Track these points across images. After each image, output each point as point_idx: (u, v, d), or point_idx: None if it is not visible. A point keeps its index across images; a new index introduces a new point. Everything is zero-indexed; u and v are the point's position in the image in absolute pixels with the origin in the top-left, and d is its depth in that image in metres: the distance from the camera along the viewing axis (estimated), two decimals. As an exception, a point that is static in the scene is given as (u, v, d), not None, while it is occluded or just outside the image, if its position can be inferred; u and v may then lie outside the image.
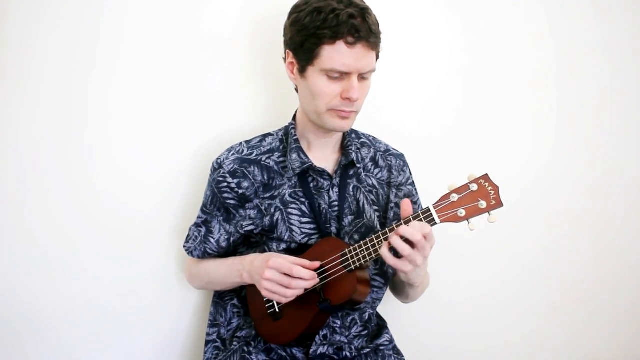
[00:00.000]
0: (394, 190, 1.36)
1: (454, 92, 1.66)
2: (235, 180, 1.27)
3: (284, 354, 1.28)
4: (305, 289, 1.18)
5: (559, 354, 1.77)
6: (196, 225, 1.35)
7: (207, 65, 1.49)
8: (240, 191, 1.28)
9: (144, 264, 1.48)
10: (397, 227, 1.10)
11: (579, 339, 1.78)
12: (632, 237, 1.78)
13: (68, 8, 1.39)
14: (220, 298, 1.40)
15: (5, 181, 1.38)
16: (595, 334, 1.79)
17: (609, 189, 1.75)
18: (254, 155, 1.30)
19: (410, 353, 1.40)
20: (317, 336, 1.25)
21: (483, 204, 1.05)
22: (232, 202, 1.29)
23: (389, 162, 1.38)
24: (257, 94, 1.53)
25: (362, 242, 1.15)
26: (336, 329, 1.27)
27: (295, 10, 1.21)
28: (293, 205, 1.27)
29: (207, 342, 1.36)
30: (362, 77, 1.19)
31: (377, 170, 1.36)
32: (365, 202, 1.31)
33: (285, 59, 1.26)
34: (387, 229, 1.12)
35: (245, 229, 1.28)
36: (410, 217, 1.10)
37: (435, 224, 1.09)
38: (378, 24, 1.19)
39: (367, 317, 1.32)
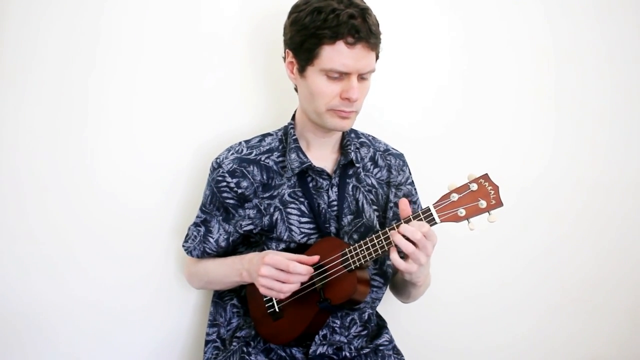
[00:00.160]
0: (394, 190, 1.36)
1: (453, 92, 1.66)
2: (235, 180, 1.27)
3: (283, 354, 1.27)
4: (302, 283, 1.18)
5: (559, 354, 1.77)
6: (195, 224, 1.35)
7: (207, 65, 1.49)
8: (240, 191, 1.28)
9: (144, 264, 1.48)
10: (397, 226, 1.10)
11: (579, 339, 1.78)
12: (632, 237, 1.78)
13: (68, 8, 1.39)
14: (219, 298, 1.40)
15: (5, 181, 1.38)
16: (595, 334, 1.79)
17: (609, 189, 1.75)
18: (253, 155, 1.30)
19: (410, 353, 1.40)
20: (317, 336, 1.25)
21: (483, 204, 1.05)
22: (231, 201, 1.29)
23: (389, 162, 1.38)
24: (256, 93, 1.53)
25: (362, 242, 1.15)
26: (336, 328, 1.27)
27: (295, 9, 1.21)
28: (292, 205, 1.27)
29: (207, 342, 1.36)
30: (361, 77, 1.19)
31: (376, 170, 1.36)
32: (364, 201, 1.31)
33: (284, 59, 1.26)
34: (387, 229, 1.12)
35: (245, 228, 1.28)
36: (411, 216, 1.10)
37: (436, 223, 1.09)
38: (378, 25, 1.19)
39: (366, 317, 1.32)
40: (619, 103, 1.74)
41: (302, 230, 1.26)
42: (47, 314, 1.41)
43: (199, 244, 1.34)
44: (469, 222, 1.07)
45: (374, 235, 1.14)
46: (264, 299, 1.27)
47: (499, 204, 1.05)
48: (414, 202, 1.41)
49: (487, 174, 1.07)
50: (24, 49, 1.37)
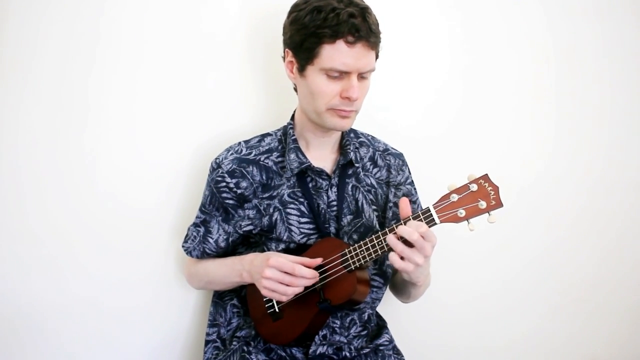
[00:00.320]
0: (393, 190, 1.36)
1: (453, 92, 1.66)
2: (234, 180, 1.27)
3: (283, 354, 1.28)
4: (305, 287, 1.18)
5: (559, 354, 1.77)
6: (195, 225, 1.35)
7: (206, 65, 1.49)
8: (239, 191, 1.27)
9: (144, 264, 1.48)
10: (397, 227, 1.10)
11: (579, 339, 1.78)
12: (632, 237, 1.78)
13: (68, 8, 1.39)
14: (219, 298, 1.40)
15: (5, 180, 1.38)
16: (595, 334, 1.79)
17: (609, 189, 1.75)
18: (252, 155, 1.30)
19: (410, 353, 1.40)
20: (317, 336, 1.25)
21: (483, 204, 1.05)
22: (230, 202, 1.29)
23: (388, 162, 1.38)
24: (256, 93, 1.52)
25: (362, 242, 1.15)
26: (335, 329, 1.27)
27: (294, 9, 1.21)
28: (292, 205, 1.27)
29: (207, 342, 1.36)
30: (361, 76, 1.19)
31: (375, 170, 1.36)
32: (364, 201, 1.31)
33: (284, 58, 1.26)
34: (386, 229, 1.12)
35: (244, 229, 1.28)
36: (410, 217, 1.10)
37: (435, 224, 1.09)
38: (378, 24, 1.19)
39: (366, 317, 1.32)
40: (619, 103, 1.74)
41: (302, 230, 1.26)
42: (47, 314, 1.41)
43: (199, 245, 1.33)
44: (468, 223, 1.07)
45: (373, 236, 1.14)
46: (264, 299, 1.27)
47: (499, 204, 1.05)
48: (413, 202, 1.41)
49: (487, 174, 1.06)
50: (24, 49, 1.37)
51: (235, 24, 1.49)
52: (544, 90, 1.71)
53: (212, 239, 1.32)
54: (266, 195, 1.28)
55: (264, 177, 1.28)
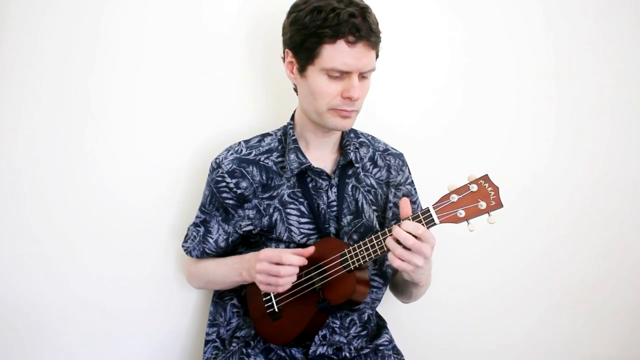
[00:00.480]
0: (393, 190, 1.36)
1: (453, 92, 1.66)
2: (234, 180, 1.27)
3: (283, 354, 1.27)
4: (305, 287, 1.18)
5: (559, 354, 1.76)
6: (195, 224, 1.35)
7: (206, 65, 1.49)
8: (239, 191, 1.27)
9: (143, 264, 1.48)
10: (392, 229, 1.09)
11: (579, 339, 1.78)
12: (632, 237, 1.78)
13: (68, 8, 1.39)
14: (219, 298, 1.40)
15: (5, 181, 1.38)
16: (595, 334, 1.79)
17: (609, 189, 1.75)
18: (252, 155, 1.30)
19: (410, 353, 1.40)
20: (317, 336, 1.25)
21: (483, 205, 1.05)
22: (230, 202, 1.29)
23: (388, 162, 1.38)
24: (255, 93, 1.52)
25: (361, 242, 1.15)
26: (335, 329, 1.27)
27: (294, 9, 1.21)
28: (292, 206, 1.27)
29: (207, 342, 1.36)
30: (362, 76, 1.19)
31: (375, 170, 1.36)
32: (364, 202, 1.31)
33: (284, 59, 1.26)
34: (386, 229, 1.12)
35: (244, 229, 1.28)
36: (410, 217, 1.10)
37: (435, 224, 1.09)
38: (378, 23, 1.19)
39: (366, 318, 1.32)
40: (619, 103, 1.74)
41: (302, 230, 1.26)
42: (47, 313, 1.42)
43: (199, 245, 1.33)
44: (468, 224, 1.07)
45: (373, 236, 1.14)
46: (264, 299, 1.27)
47: (499, 205, 1.05)
48: (413, 202, 1.41)
49: (487, 174, 1.06)
50: (24, 49, 1.37)
51: (235, 24, 1.49)
52: (544, 90, 1.70)
53: (212, 239, 1.32)
54: (266, 195, 1.28)
55: (264, 177, 1.28)
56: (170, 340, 1.51)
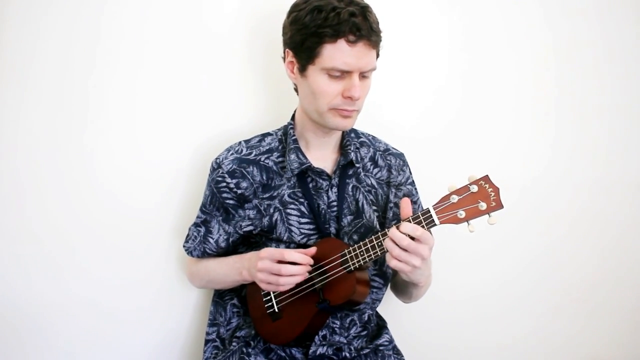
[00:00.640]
0: (393, 190, 1.36)
1: (453, 92, 1.66)
2: (234, 181, 1.27)
3: (283, 354, 1.27)
4: (305, 287, 1.18)
5: (559, 354, 1.76)
6: (195, 225, 1.35)
7: (206, 65, 1.49)
8: (239, 191, 1.27)
9: (144, 264, 1.48)
10: (389, 230, 1.09)
11: (579, 339, 1.78)
12: (632, 237, 1.78)
13: (68, 8, 1.39)
14: (220, 297, 1.40)
15: (5, 181, 1.38)
16: (595, 334, 1.79)
17: (609, 189, 1.75)
18: (252, 155, 1.30)
19: (410, 353, 1.40)
20: (317, 336, 1.25)
21: (483, 206, 1.05)
22: (231, 202, 1.29)
23: (389, 162, 1.38)
24: (256, 93, 1.52)
25: (361, 243, 1.15)
26: (335, 329, 1.27)
27: (294, 8, 1.20)
28: (292, 206, 1.27)
29: (207, 342, 1.36)
30: (363, 75, 1.19)
31: (376, 170, 1.36)
32: (364, 202, 1.31)
33: (284, 58, 1.26)
34: (386, 230, 1.12)
35: (244, 229, 1.28)
36: (410, 218, 1.10)
37: (435, 225, 1.08)
38: (378, 22, 1.19)
39: (366, 318, 1.32)
40: (619, 103, 1.74)
41: (302, 230, 1.26)
42: (47, 313, 1.41)
43: (199, 245, 1.33)
44: (468, 224, 1.07)
45: (373, 237, 1.14)
46: (264, 299, 1.27)
47: (499, 206, 1.05)
48: (414, 202, 1.41)
49: (487, 175, 1.06)
50: (24, 49, 1.37)
51: (235, 24, 1.49)
52: (544, 90, 1.70)
53: (213, 239, 1.32)
54: (266, 195, 1.28)
55: (264, 178, 1.28)
56: (170, 340, 1.51)
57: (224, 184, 1.28)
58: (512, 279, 1.72)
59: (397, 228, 1.08)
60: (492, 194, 1.05)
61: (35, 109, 1.39)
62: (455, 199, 1.06)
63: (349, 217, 1.29)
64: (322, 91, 1.18)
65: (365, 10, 1.15)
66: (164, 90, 1.46)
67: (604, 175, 1.74)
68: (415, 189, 1.42)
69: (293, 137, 1.30)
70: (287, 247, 1.26)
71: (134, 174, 1.46)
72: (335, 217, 1.28)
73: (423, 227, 1.08)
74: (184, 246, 1.37)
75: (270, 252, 1.17)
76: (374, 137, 1.42)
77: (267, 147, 1.31)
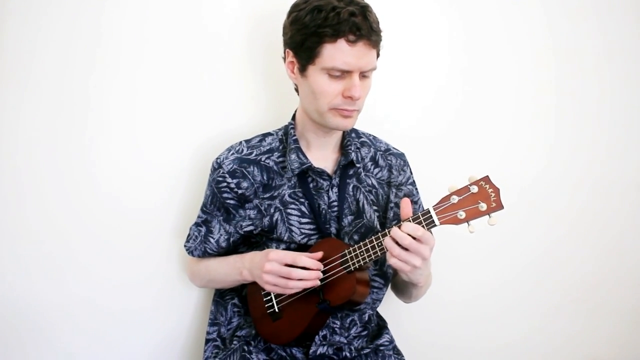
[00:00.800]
0: (394, 190, 1.36)
1: (454, 91, 1.66)
2: (235, 180, 1.27)
3: (283, 353, 1.28)
4: (306, 289, 1.18)
5: (559, 354, 1.77)
6: (196, 224, 1.35)
7: (207, 65, 1.48)
8: (240, 191, 1.27)
9: (145, 263, 1.48)
10: (390, 230, 1.09)
11: (579, 339, 1.78)
12: (632, 237, 1.78)
13: (68, 8, 1.39)
14: (221, 297, 1.40)
15: (5, 181, 1.38)
16: (595, 334, 1.79)
17: (609, 189, 1.75)
18: (253, 155, 1.30)
19: (410, 353, 1.40)
20: (317, 336, 1.25)
21: (483, 206, 1.04)
22: (231, 202, 1.29)
23: (389, 162, 1.38)
24: (256, 93, 1.52)
25: (362, 243, 1.15)
26: (336, 329, 1.27)
27: (294, 9, 1.20)
28: (292, 206, 1.27)
29: (207, 341, 1.36)
30: (363, 75, 1.19)
31: (377, 170, 1.36)
32: (365, 202, 1.31)
33: (284, 58, 1.26)
34: (386, 230, 1.12)
35: (245, 229, 1.28)
36: (410, 218, 1.10)
37: (435, 225, 1.08)
38: (378, 22, 1.19)
39: (366, 318, 1.32)
40: (619, 103, 1.74)
41: (303, 231, 1.26)
42: (48, 313, 1.41)
43: (200, 244, 1.34)
44: (468, 225, 1.06)
45: (373, 237, 1.14)
46: (264, 299, 1.27)
47: (500, 207, 1.04)
48: (415, 202, 1.40)
49: (487, 176, 1.06)
50: (24, 49, 1.37)
51: (235, 24, 1.49)
52: (544, 89, 1.70)
53: (214, 238, 1.32)
54: (267, 195, 1.28)
55: (264, 177, 1.28)
56: (170, 340, 1.51)
57: (225, 184, 1.28)
58: (512, 279, 1.73)
59: (399, 228, 1.08)
60: (493, 194, 1.04)
61: (36, 109, 1.38)
62: (455, 199, 1.06)
63: (350, 217, 1.28)
64: (322, 91, 1.18)
65: (365, 10, 1.15)
66: (165, 90, 1.46)
67: (603, 175, 1.75)
68: (416, 189, 1.42)
69: (294, 137, 1.30)
70: (288, 247, 1.26)
71: (135, 174, 1.46)
72: (335, 217, 1.28)
73: (423, 227, 1.08)
74: (184, 246, 1.37)
75: (280, 255, 1.17)
76: (374, 137, 1.42)
77: (268, 147, 1.31)
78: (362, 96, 1.20)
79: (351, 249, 1.16)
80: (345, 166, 1.30)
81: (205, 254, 1.34)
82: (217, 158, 1.31)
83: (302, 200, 1.27)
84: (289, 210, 1.26)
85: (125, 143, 1.45)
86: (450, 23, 1.64)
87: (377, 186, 1.34)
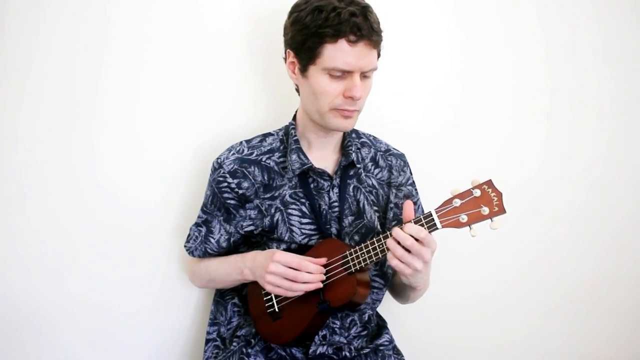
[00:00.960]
0: (394, 191, 1.36)
1: (454, 92, 1.66)
2: (235, 181, 1.27)
3: (283, 353, 1.28)
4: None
5: (558, 354, 1.77)
6: (197, 224, 1.35)
7: (207, 65, 1.48)
8: (240, 191, 1.27)
9: (145, 264, 1.48)
10: (391, 231, 1.09)
11: (579, 339, 1.78)
12: (632, 237, 1.78)
13: (68, 7, 1.38)
14: (221, 297, 1.40)
15: (5, 181, 1.38)
16: (595, 334, 1.79)
17: (608, 189, 1.75)
18: (254, 155, 1.30)
19: (410, 353, 1.40)
20: (317, 336, 1.26)
21: (485, 211, 1.04)
22: (232, 202, 1.28)
23: (389, 162, 1.37)
24: (257, 93, 1.52)
25: (363, 245, 1.15)
26: (335, 329, 1.27)
27: (295, 9, 1.20)
28: (293, 206, 1.26)
29: (207, 341, 1.36)
30: (364, 75, 1.19)
31: (377, 171, 1.35)
32: (365, 202, 1.31)
33: (285, 59, 1.25)
34: (387, 232, 1.12)
35: (245, 229, 1.28)
36: (412, 221, 1.09)
37: (437, 229, 1.08)
38: (379, 22, 1.19)
39: (366, 318, 1.32)
40: (618, 103, 1.74)
41: (303, 231, 1.26)
42: (47, 314, 1.41)
43: (200, 244, 1.33)
44: (470, 229, 1.06)
45: (374, 239, 1.14)
46: (264, 299, 1.27)
47: (502, 211, 1.04)
48: (414, 203, 1.40)
49: (490, 180, 1.05)
50: (24, 48, 1.36)
51: (236, 24, 1.49)
52: (544, 89, 1.70)
53: (214, 239, 1.32)
54: (268, 195, 1.27)
55: (265, 178, 1.28)
56: (171, 340, 1.51)
57: (225, 184, 1.27)
58: (512, 279, 1.73)
59: (402, 229, 1.08)
60: (495, 198, 1.04)
61: (36, 109, 1.38)
62: (457, 202, 1.06)
63: (350, 218, 1.28)
64: (323, 91, 1.18)
65: (365, 10, 1.15)
66: (165, 90, 1.46)
67: (603, 175, 1.75)
68: (416, 189, 1.42)
69: (294, 138, 1.29)
70: (288, 247, 1.26)
71: (135, 174, 1.45)
72: (336, 217, 1.28)
73: (425, 229, 1.08)
74: (185, 246, 1.37)
75: (286, 258, 1.17)
76: (375, 138, 1.41)
77: (269, 147, 1.31)
78: (362, 96, 1.20)
79: (352, 250, 1.16)
80: (346, 167, 1.30)
81: (205, 254, 1.34)
82: (217, 158, 1.31)
83: (303, 200, 1.27)
84: (289, 211, 1.26)
85: (126, 143, 1.44)
86: (450, 23, 1.64)
87: (377, 187, 1.34)
